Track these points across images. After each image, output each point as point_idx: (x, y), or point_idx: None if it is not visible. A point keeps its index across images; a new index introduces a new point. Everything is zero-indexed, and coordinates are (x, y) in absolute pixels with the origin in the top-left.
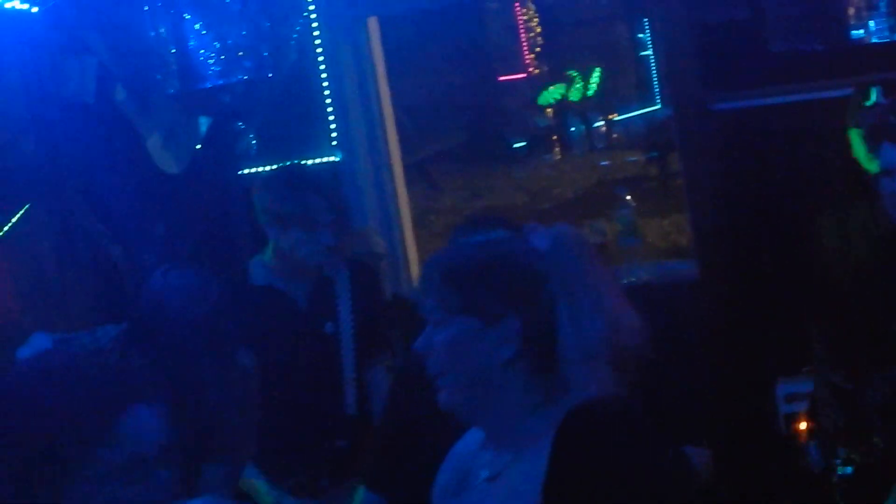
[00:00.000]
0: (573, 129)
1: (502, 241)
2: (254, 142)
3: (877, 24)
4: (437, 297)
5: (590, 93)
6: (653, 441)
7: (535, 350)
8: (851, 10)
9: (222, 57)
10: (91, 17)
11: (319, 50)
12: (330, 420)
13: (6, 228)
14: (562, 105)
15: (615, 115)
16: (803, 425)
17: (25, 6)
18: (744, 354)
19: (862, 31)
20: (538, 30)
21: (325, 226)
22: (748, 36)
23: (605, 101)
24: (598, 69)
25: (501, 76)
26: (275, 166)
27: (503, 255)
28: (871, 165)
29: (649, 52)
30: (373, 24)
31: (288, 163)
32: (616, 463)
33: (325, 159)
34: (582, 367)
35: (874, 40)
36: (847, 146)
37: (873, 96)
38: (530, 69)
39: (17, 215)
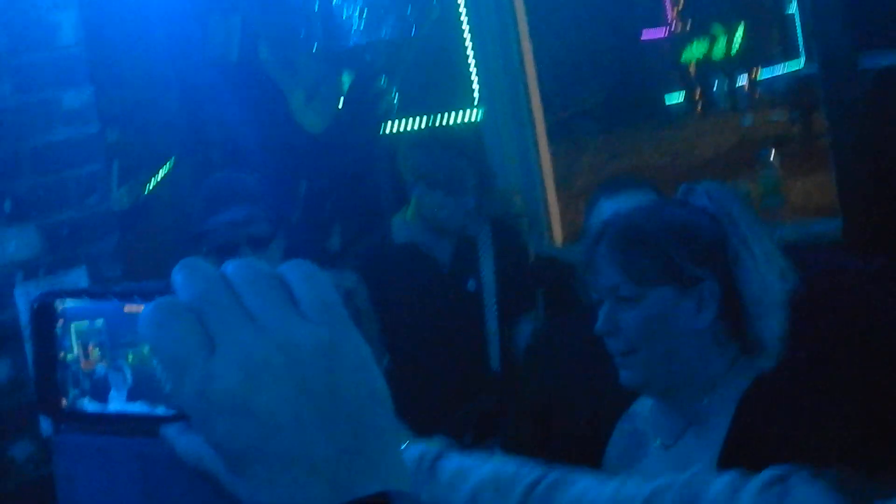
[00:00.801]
0: (716, 87)
1: (668, 204)
2: (396, 100)
3: None
4: (624, 270)
5: (733, 51)
6: (829, 410)
7: (729, 311)
8: None
9: (365, 15)
10: None
11: (462, 7)
12: (474, 378)
13: (154, 182)
14: (705, 63)
15: (759, 73)
16: None
17: None
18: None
19: None
20: None
21: (469, 189)
22: None
23: (748, 58)
24: (741, 25)
25: (644, 33)
26: (417, 124)
27: (684, 218)
28: None
29: (794, 7)
30: None
31: (432, 121)
32: (799, 431)
33: (467, 117)
34: (770, 321)
35: None
36: None
37: None
38: (673, 26)
39: (165, 169)
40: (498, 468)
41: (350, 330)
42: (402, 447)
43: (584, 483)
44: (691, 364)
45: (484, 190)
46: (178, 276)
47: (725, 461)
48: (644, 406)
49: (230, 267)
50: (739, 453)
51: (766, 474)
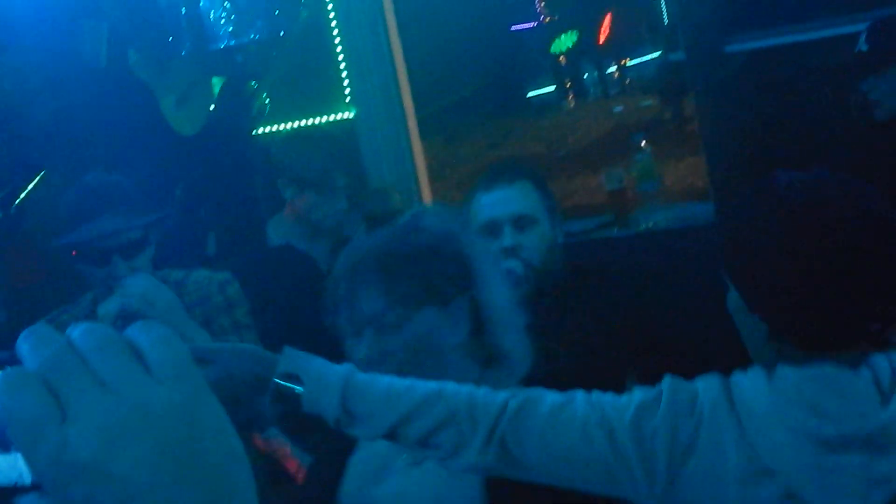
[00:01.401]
0: (587, 75)
1: (409, 230)
2: (268, 101)
3: None
4: (389, 295)
5: (602, 39)
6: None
7: (477, 327)
8: None
9: (233, 16)
10: None
11: (330, 6)
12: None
13: (23, 195)
14: (574, 52)
15: (628, 60)
16: None
17: None
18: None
19: None
20: None
21: (340, 189)
22: None
23: (617, 46)
24: (609, 14)
25: (514, 25)
26: (290, 125)
27: (429, 239)
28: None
29: None
30: None
31: (304, 122)
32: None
33: (339, 116)
34: (513, 335)
35: None
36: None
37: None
38: (542, 17)
39: (34, 182)
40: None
41: (203, 391)
42: None
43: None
44: (445, 378)
45: (356, 190)
46: (24, 346)
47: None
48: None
49: (76, 332)
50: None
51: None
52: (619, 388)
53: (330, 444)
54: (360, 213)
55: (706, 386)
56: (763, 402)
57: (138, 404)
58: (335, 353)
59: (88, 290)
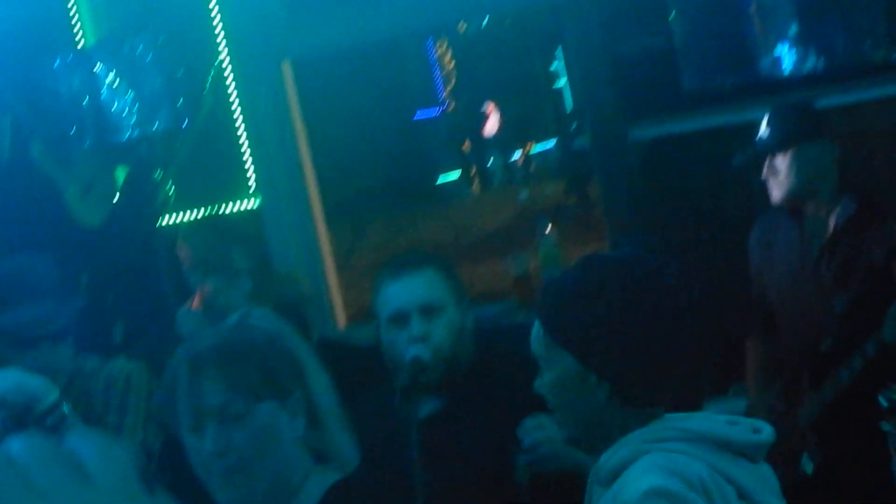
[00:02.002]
0: (490, 163)
1: (241, 328)
2: (173, 190)
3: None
4: (231, 386)
5: (505, 126)
6: None
7: (311, 422)
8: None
9: (136, 107)
10: (1, 76)
11: (234, 96)
12: None
13: None
14: (478, 140)
15: (532, 146)
16: None
17: None
18: None
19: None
20: (451, 65)
21: (244, 273)
22: (664, 66)
23: (520, 133)
24: (512, 102)
25: (418, 113)
26: (195, 215)
27: (264, 336)
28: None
29: (564, 82)
30: (287, 68)
31: (208, 210)
32: None
33: (244, 205)
34: (340, 433)
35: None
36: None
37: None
38: (447, 104)
39: None
40: None
41: (141, 496)
42: None
43: None
44: (282, 475)
45: (262, 273)
46: None
47: None
48: None
49: (16, 446)
50: None
51: None
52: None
53: None
54: (266, 298)
55: None
56: None
57: None
58: None
59: None
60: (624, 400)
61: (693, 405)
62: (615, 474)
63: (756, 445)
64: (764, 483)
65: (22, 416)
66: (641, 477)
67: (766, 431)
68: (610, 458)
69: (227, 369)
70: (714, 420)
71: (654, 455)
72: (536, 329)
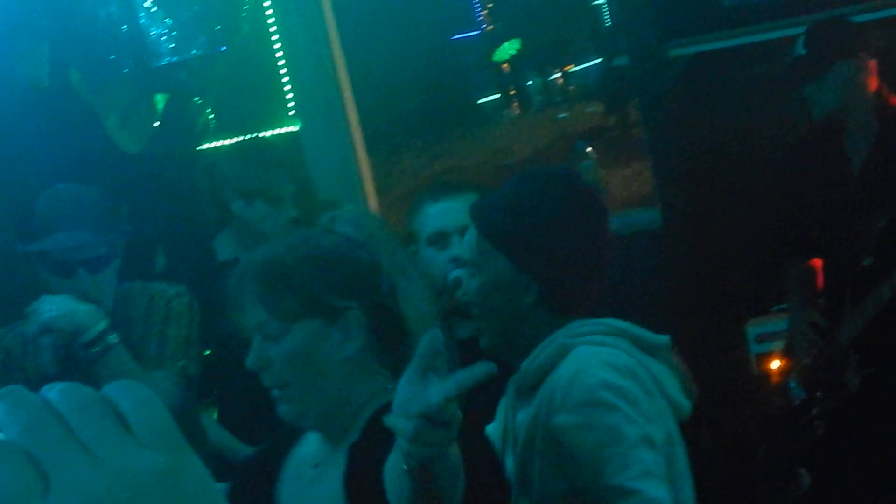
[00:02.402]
0: (530, 83)
1: (312, 236)
2: (212, 116)
3: None
4: (269, 307)
5: (544, 46)
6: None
7: (380, 337)
8: None
9: (175, 33)
10: (40, 2)
11: (272, 20)
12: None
13: None
14: (517, 60)
15: (572, 66)
16: (776, 364)
17: None
18: (710, 298)
19: None
20: None
21: (288, 199)
22: None
23: (560, 53)
24: (551, 21)
25: (455, 35)
26: (235, 140)
27: (327, 249)
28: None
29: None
30: None
31: (247, 136)
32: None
33: (284, 129)
34: None
35: None
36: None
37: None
38: (485, 26)
39: None
40: None
41: (187, 454)
42: None
43: None
44: (341, 393)
45: (304, 198)
46: None
47: (347, 483)
48: (308, 443)
49: (55, 394)
50: (355, 481)
51: None
52: None
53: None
54: (308, 224)
55: None
56: None
57: (122, 471)
58: None
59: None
60: (550, 304)
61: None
62: (542, 375)
63: (661, 345)
64: (670, 379)
65: (69, 343)
66: (583, 373)
67: (664, 335)
68: (534, 360)
69: (263, 290)
70: (623, 321)
71: (583, 349)
72: (470, 235)
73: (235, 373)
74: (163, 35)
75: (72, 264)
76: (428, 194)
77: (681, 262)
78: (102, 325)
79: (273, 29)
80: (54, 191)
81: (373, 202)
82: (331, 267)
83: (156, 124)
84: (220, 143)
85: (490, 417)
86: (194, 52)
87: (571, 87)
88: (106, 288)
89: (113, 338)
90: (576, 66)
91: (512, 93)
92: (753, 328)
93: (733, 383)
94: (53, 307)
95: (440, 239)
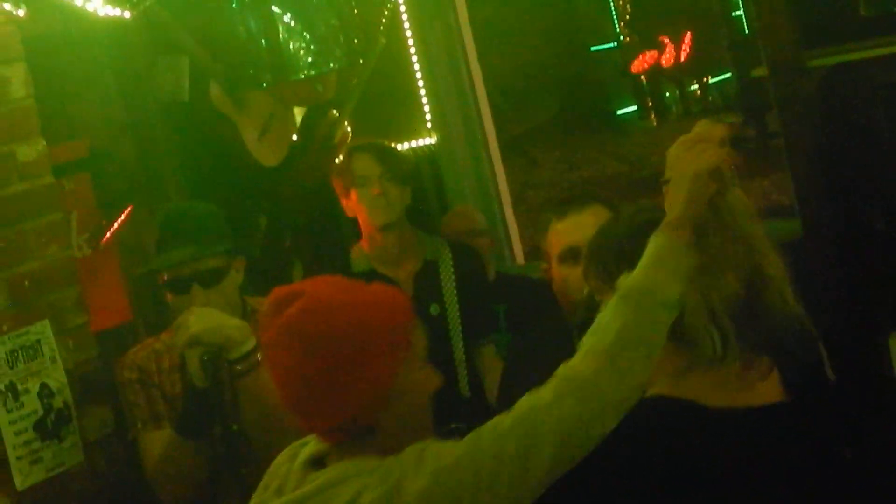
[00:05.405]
0: (667, 94)
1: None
2: (349, 129)
3: None
4: None
5: (682, 57)
6: None
7: None
8: None
9: (313, 47)
10: (181, 18)
11: (409, 33)
12: (443, 403)
13: (111, 231)
14: (655, 71)
15: (709, 77)
16: None
17: (117, 11)
18: (851, 309)
19: None
20: None
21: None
22: None
23: (698, 64)
24: (689, 32)
25: (593, 46)
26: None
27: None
28: None
29: (740, 11)
30: (460, 1)
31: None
32: None
33: (421, 142)
34: None
35: None
36: None
37: None
38: (622, 37)
39: (122, 218)
40: None
41: None
42: None
43: None
44: None
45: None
46: None
47: None
48: None
49: None
50: None
51: None
52: None
53: None
54: (442, 236)
55: None
56: None
57: None
58: None
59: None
60: None
61: None
62: None
63: None
64: None
65: (216, 357)
66: None
67: None
68: None
69: None
70: None
71: None
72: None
73: None
74: (301, 49)
75: (185, 280)
76: (552, 211)
77: (822, 273)
78: (251, 344)
79: (410, 42)
80: (165, 210)
81: (509, 213)
82: None
83: (294, 138)
84: None
85: None
86: (332, 65)
87: (710, 98)
88: (220, 302)
89: (260, 356)
90: (714, 76)
91: (649, 104)
92: None
93: (875, 397)
94: (202, 320)
95: (571, 256)
